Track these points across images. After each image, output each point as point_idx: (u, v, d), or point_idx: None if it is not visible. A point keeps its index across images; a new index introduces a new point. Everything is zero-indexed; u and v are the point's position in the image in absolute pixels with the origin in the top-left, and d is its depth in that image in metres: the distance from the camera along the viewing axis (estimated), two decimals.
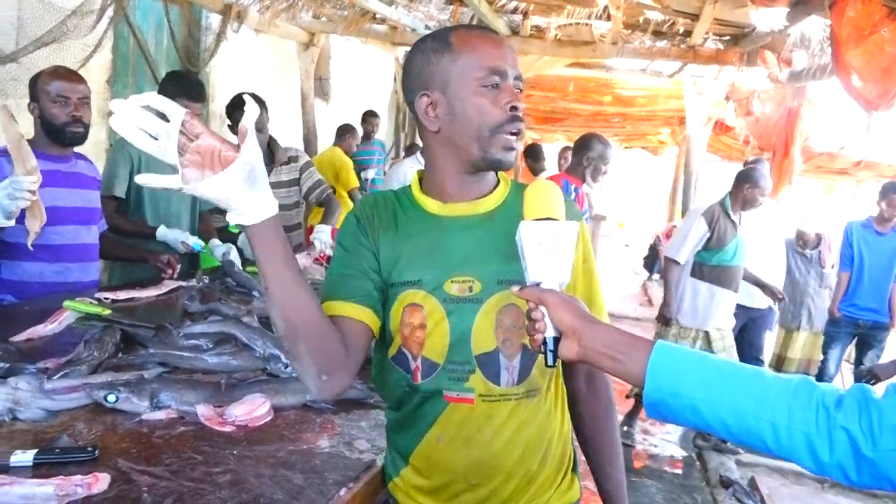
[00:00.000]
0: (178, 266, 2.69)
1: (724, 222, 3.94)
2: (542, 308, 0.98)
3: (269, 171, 3.27)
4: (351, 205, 5.85)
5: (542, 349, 0.99)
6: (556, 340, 0.98)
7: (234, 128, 3.21)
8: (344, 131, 6.23)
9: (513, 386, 1.15)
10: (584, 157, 3.74)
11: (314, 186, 3.38)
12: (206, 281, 2.67)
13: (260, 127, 3.12)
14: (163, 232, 2.83)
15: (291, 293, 1.00)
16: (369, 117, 6.81)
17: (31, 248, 2.15)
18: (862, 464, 0.81)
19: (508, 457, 1.16)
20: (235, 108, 3.28)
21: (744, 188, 3.98)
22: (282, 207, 3.28)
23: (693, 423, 0.91)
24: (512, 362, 1.14)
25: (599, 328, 0.97)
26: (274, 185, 3.26)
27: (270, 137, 3.29)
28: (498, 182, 1.22)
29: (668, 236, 10.99)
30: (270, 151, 3.28)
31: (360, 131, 6.93)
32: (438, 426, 1.16)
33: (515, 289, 1.02)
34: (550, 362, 0.98)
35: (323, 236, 3.13)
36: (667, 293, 4.06)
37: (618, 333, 0.97)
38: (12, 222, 2.06)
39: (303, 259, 3.18)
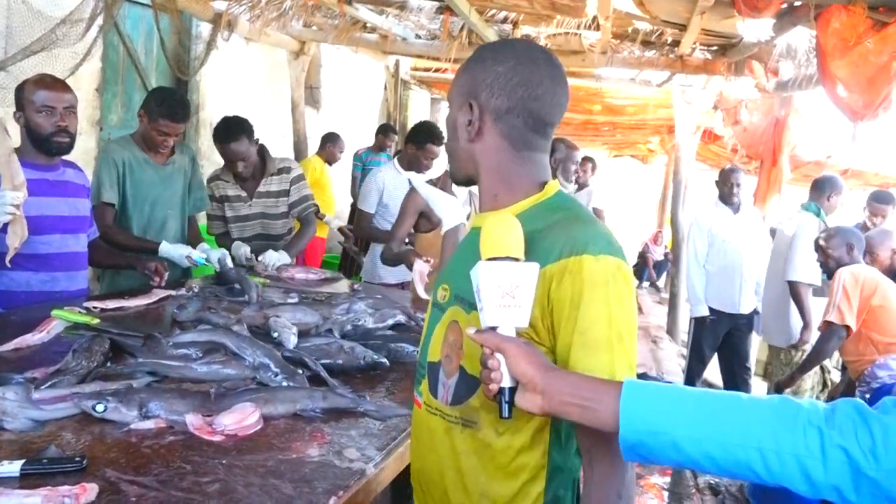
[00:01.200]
0: (167, 273, 2.68)
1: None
2: (499, 356, 0.94)
3: (260, 181, 3.29)
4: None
5: (498, 399, 0.94)
6: (513, 391, 0.93)
7: (223, 151, 3.19)
8: (325, 140, 6.19)
9: (447, 405, 1.12)
10: (550, 161, 3.92)
11: (300, 201, 3.39)
12: (196, 290, 2.66)
13: (245, 157, 3.16)
14: (166, 248, 2.82)
15: None
16: (388, 132, 6.74)
17: (8, 265, 2.15)
18: (862, 483, 0.77)
19: (444, 476, 1.14)
20: (224, 137, 3.16)
21: (829, 196, 4.03)
22: (269, 217, 3.34)
23: (676, 461, 0.86)
24: (448, 380, 1.12)
25: (562, 377, 0.92)
26: (263, 195, 3.29)
27: (262, 147, 3.31)
28: (535, 194, 1.13)
29: (654, 241, 11.09)
30: (262, 161, 3.30)
31: (372, 141, 6.86)
32: (412, 421, 1.24)
33: (471, 331, 0.97)
34: (506, 414, 0.94)
35: (269, 259, 3.06)
36: (809, 318, 3.93)
37: (581, 380, 0.93)
38: None
39: (301, 273, 3.18)
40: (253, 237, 3.33)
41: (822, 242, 3.51)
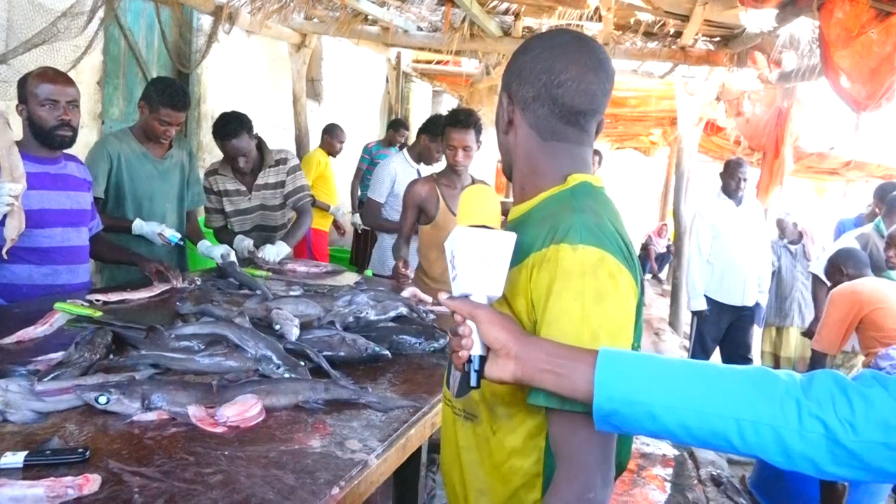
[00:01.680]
0: (179, 276, 2.64)
1: (881, 244, 3.96)
2: (471, 323, 0.92)
3: (258, 174, 3.29)
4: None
5: (467, 367, 0.92)
6: (483, 359, 0.91)
7: (223, 147, 3.20)
8: (323, 132, 6.17)
9: (454, 396, 1.09)
10: None
11: (295, 191, 3.39)
12: (198, 282, 2.66)
13: (246, 152, 3.16)
14: (139, 224, 2.83)
15: None
16: (400, 127, 6.73)
17: (4, 256, 2.15)
18: (839, 454, 0.77)
19: (452, 468, 1.15)
20: (225, 133, 3.15)
21: None
22: (268, 208, 3.35)
23: (650, 431, 0.84)
24: (455, 371, 1.10)
25: (537, 343, 0.90)
26: (261, 187, 3.30)
27: (260, 140, 3.32)
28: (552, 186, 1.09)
29: (658, 234, 11.09)
30: (260, 154, 3.30)
31: (377, 133, 6.84)
32: None
33: (444, 296, 0.95)
34: (474, 382, 0.91)
35: (269, 254, 3.08)
36: (819, 310, 4.03)
37: (557, 347, 0.90)
38: None
39: (302, 266, 3.19)
40: (252, 229, 3.34)
41: (827, 272, 3.68)
